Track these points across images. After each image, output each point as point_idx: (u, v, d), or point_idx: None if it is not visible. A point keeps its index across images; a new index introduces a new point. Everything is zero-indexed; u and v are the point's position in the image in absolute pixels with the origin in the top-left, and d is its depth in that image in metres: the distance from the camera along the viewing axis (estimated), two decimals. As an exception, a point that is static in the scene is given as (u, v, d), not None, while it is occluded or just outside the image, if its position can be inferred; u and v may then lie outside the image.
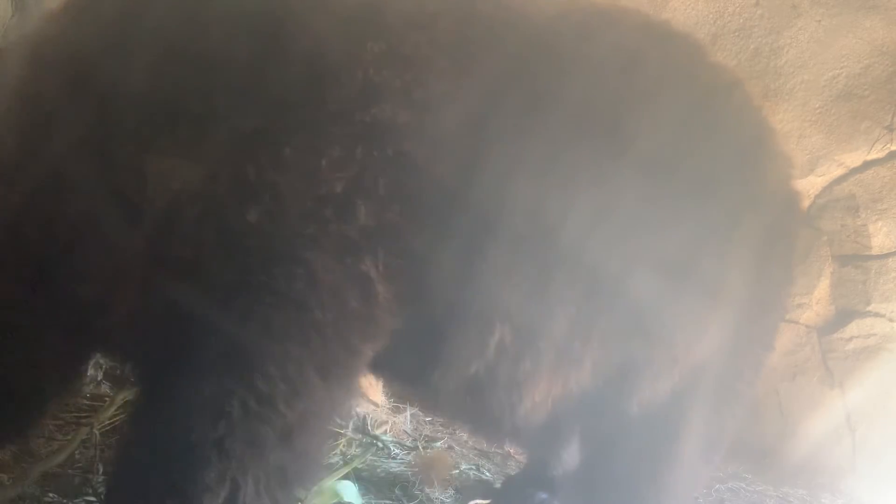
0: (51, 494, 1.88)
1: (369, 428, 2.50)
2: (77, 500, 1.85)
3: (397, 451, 2.46)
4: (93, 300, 1.40)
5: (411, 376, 1.69)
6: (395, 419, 2.60)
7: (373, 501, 2.17)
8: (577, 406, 1.72)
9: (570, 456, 2.11)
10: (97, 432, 2.07)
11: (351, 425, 2.49)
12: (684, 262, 1.65)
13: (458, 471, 2.42)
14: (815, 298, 3.01)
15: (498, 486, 2.37)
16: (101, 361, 2.31)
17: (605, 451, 1.85)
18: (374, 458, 2.40)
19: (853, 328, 2.96)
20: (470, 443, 2.62)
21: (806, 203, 2.91)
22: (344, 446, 2.38)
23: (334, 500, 2.09)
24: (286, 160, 1.38)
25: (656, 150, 1.61)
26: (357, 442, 2.46)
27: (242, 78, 1.39)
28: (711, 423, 1.91)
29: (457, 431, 2.62)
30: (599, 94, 1.62)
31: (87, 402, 2.27)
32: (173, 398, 1.35)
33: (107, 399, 2.25)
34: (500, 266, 1.54)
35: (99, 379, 2.36)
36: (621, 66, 1.65)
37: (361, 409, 2.48)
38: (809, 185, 2.94)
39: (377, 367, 1.61)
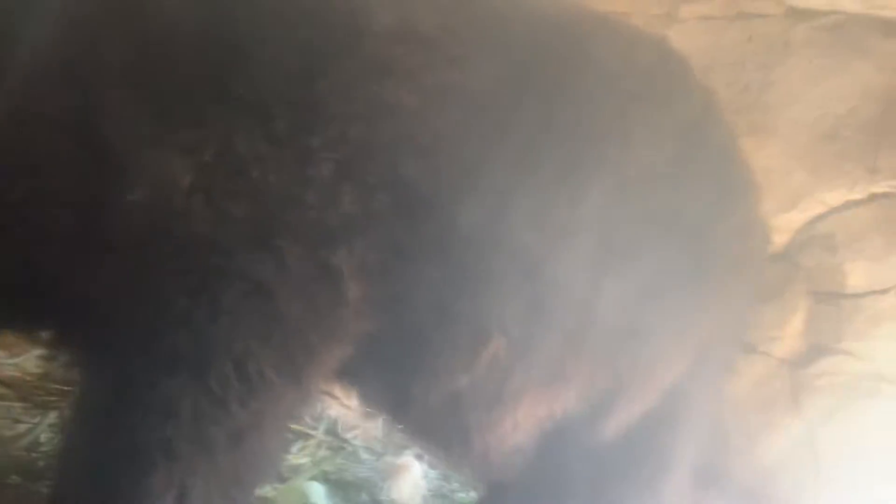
0: (14, 476, 1.86)
1: (339, 431, 2.49)
2: (39, 483, 1.83)
3: (367, 456, 2.46)
4: (51, 273, 1.33)
5: (386, 387, 1.60)
6: (366, 424, 2.59)
7: (339, 505, 2.17)
8: (556, 429, 1.68)
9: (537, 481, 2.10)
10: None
11: (321, 428, 2.48)
12: (665, 285, 1.64)
13: (425, 479, 2.42)
14: (788, 332, 3.03)
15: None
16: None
17: (572, 476, 1.80)
18: (344, 461, 2.40)
19: (824, 364, 2.99)
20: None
21: (787, 238, 2.95)
22: (313, 448, 2.37)
23: (301, 502, 2.08)
24: (277, 135, 1.31)
25: (647, 168, 1.60)
26: (327, 444, 2.45)
27: (240, 42, 1.33)
28: (682, 449, 1.92)
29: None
30: (601, 101, 1.60)
31: (57, 387, 2.25)
32: (121, 393, 1.29)
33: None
34: (499, 272, 1.48)
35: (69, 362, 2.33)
36: (616, 72, 1.63)
37: (333, 411, 2.48)
38: (791, 221, 2.96)
39: (348, 374, 1.54)
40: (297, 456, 2.33)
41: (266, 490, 2.10)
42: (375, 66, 1.37)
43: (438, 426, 1.64)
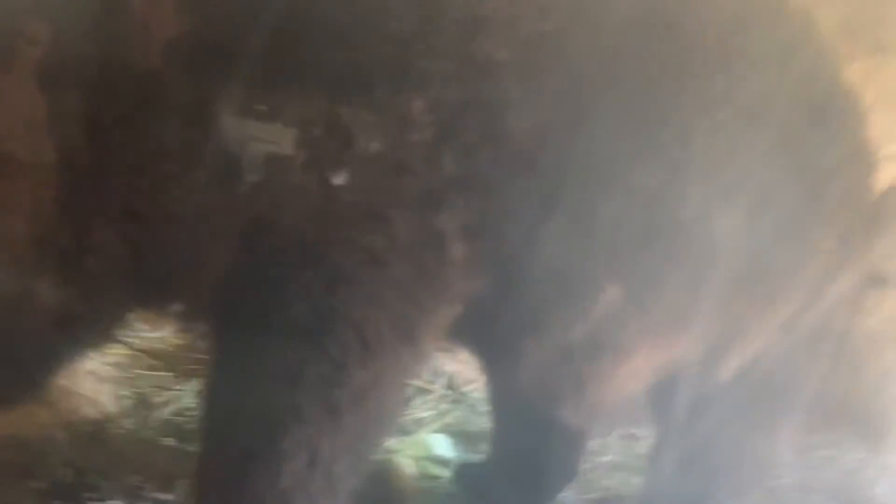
0: (168, 439, 2.04)
1: (458, 385, 2.57)
2: (189, 444, 2.00)
3: (485, 408, 2.53)
4: (179, 254, 1.40)
5: (497, 343, 1.61)
6: (483, 378, 2.67)
7: (463, 455, 2.25)
8: (675, 374, 1.67)
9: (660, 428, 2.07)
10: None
11: (441, 382, 2.57)
12: (777, 218, 1.59)
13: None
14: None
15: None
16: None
17: (696, 421, 1.79)
18: (464, 414, 2.48)
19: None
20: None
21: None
22: (434, 402, 2.47)
23: (427, 453, 2.18)
24: (378, 103, 1.33)
25: (753, 100, 1.55)
26: (447, 398, 2.54)
27: (335, 11, 1.35)
28: (806, 386, 1.88)
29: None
30: (699, 33, 1.56)
31: (197, 356, 2.43)
32: (250, 365, 1.36)
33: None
34: (610, 219, 1.47)
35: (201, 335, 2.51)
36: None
37: (450, 367, 2.55)
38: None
39: (459, 332, 1.56)
40: (420, 410, 2.42)
41: (392, 442, 2.21)
42: (466, 23, 1.38)
43: (550, 379, 1.65)
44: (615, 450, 2.41)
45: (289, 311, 1.34)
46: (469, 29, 1.38)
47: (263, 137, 1.35)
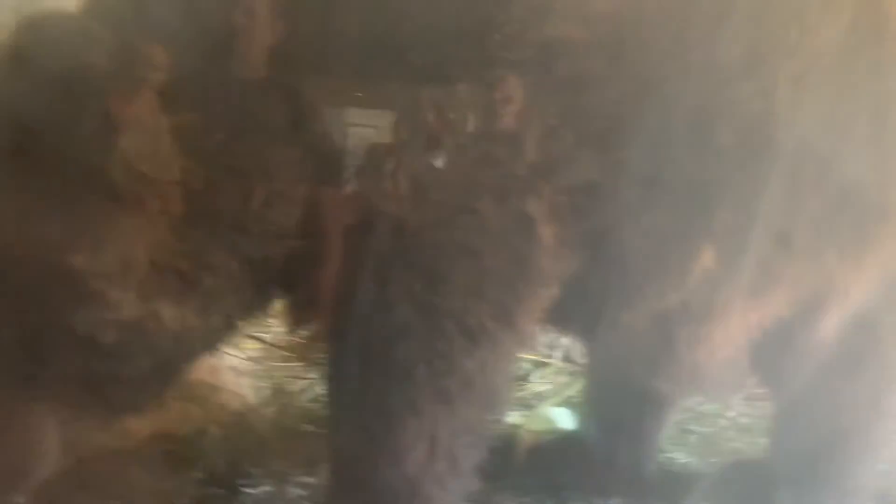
0: (305, 425, 2.19)
1: (575, 357, 2.60)
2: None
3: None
4: (287, 260, 1.46)
5: (594, 317, 1.62)
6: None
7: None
8: (770, 337, 1.67)
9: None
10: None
11: (558, 355, 2.62)
12: (862, 165, 1.55)
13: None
14: None
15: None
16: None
17: (807, 381, 1.78)
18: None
19: None
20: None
21: None
22: (552, 375, 2.52)
23: (548, 426, 2.24)
24: (461, 97, 1.37)
25: (826, 50, 1.51)
26: (565, 371, 2.58)
27: (411, 8, 1.37)
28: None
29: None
30: None
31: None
32: (365, 363, 1.45)
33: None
34: (700, 181, 1.47)
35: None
36: None
37: (566, 339, 2.59)
38: None
39: (558, 311, 1.58)
40: (538, 384, 2.48)
41: (515, 417, 2.29)
42: (542, 5, 1.39)
43: (645, 346, 1.67)
44: (741, 411, 2.40)
45: (393, 312, 1.42)
46: (541, 12, 1.39)
47: (362, 122, 1.42)
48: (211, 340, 1.56)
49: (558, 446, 2.15)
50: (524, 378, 2.50)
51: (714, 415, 2.39)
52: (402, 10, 1.39)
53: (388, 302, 1.42)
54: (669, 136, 1.45)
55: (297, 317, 1.64)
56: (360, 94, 1.43)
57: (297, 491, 1.90)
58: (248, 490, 1.89)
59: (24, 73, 1.29)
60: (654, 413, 2.03)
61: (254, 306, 1.58)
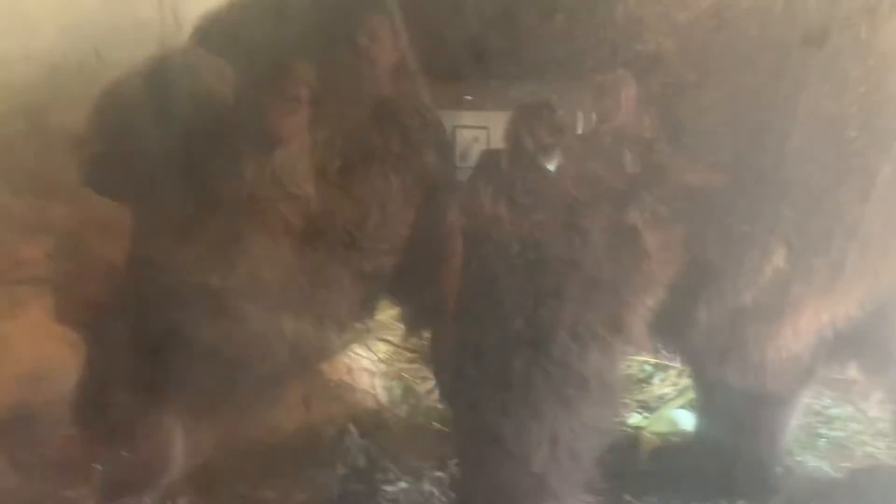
0: (434, 423, 2.30)
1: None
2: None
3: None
4: (400, 271, 1.54)
5: (674, 316, 1.65)
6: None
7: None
8: (842, 335, 1.67)
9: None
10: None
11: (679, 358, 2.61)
12: None
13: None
14: None
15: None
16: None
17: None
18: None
19: None
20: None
21: None
22: (674, 378, 2.53)
23: (671, 428, 2.27)
24: (556, 120, 1.43)
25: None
26: (687, 373, 2.58)
27: (512, 35, 1.43)
28: None
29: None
30: None
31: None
32: (486, 373, 1.53)
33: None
34: (778, 184, 1.51)
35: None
36: None
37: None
38: None
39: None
40: (660, 386, 2.50)
41: (638, 419, 2.32)
42: (631, 24, 1.43)
43: (716, 342, 1.70)
44: (876, 415, 2.35)
45: (509, 326, 1.50)
46: (629, 31, 1.44)
47: (472, 124, 1.48)
48: (323, 349, 1.65)
49: (681, 448, 2.18)
50: (646, 381, 2.53)
51: (846, 418, 2.35)
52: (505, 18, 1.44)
53: (500, 316, 1.50)
54: (753, 140, 1.49)
55: (410, 324, 1.75)
56: (470, 98, 1.50)
57: (431, 487, 2.00)
58: (386, 488, 1.99)
59: (158, 107, 1.39)
60: (769, 414, 2.03)
61: (363, 316, 1.67)
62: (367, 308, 1.65)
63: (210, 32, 1.50)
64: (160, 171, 1.44)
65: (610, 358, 1.55)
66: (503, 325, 1.49)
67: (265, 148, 1.44)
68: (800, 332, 1.67)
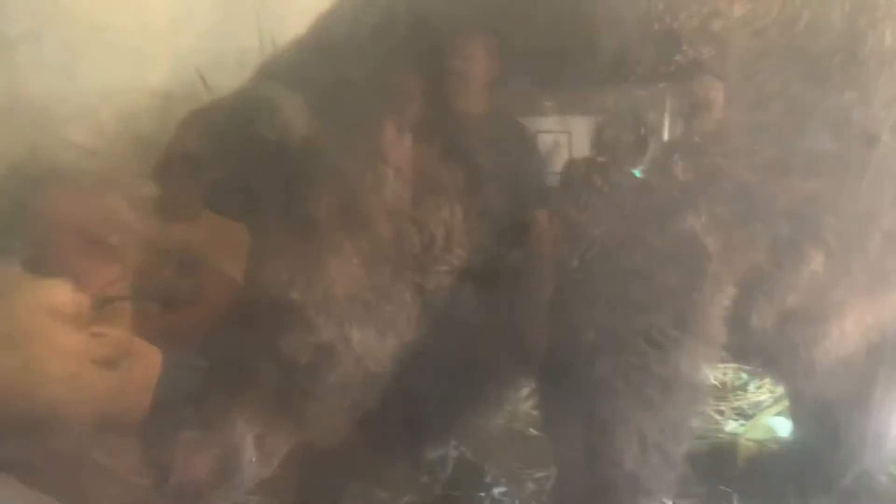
0: (530, 429, 2.35)
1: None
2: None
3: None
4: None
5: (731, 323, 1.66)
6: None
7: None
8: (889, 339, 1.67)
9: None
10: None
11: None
12: None
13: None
14: None
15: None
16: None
17: None
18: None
19: None
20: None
21: None
22: (770, 385, 2.51)
23: (769, 435, 2.27)
24: (619, 141, 1.47)
25: None
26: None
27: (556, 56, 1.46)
28: None
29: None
30: None
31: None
32: (571, 386, 1.59)
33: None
34: (813, 186, 1.52)
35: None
36: None
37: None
38: None
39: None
40: (756, 393, 2.49)
41: (734, 426, 2.33)
42: (669, 39, 1.46)
43: (768, 346, 1.72)
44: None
45: (585, 337, 1.55)
46: (668, 47, 1.47)
47: (552, 129, 1.52)
48: (383, 361, 1.66)
49: (778, 455, 2.18)
50: (742, 388, 2.52)
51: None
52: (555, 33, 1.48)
53: (580, 328, 1.55)
54: (794, 145, 1.51)
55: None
56: (550, 103, 1.53)
57: (532, 487, 2.07)
58: (483, 493, 2.06)
59: (232, 143, 1.46)
60: (850, 420, 2.00)
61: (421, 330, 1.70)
62: (426, 323, 1.67)
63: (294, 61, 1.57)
64: (255, 196, 1.52)
65: (688, 359, 1.59)
66: (583, 336, 1.56)
67: (351, 176, 1.52)
68: (846, 336, 1.68)
